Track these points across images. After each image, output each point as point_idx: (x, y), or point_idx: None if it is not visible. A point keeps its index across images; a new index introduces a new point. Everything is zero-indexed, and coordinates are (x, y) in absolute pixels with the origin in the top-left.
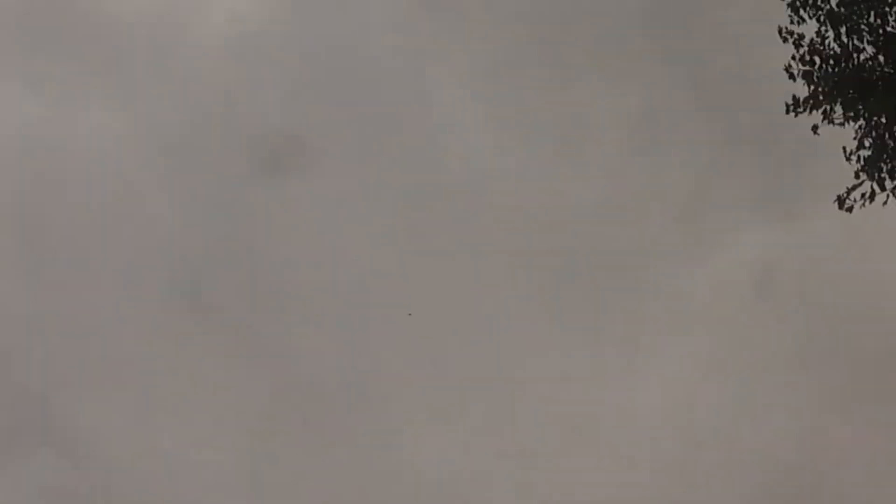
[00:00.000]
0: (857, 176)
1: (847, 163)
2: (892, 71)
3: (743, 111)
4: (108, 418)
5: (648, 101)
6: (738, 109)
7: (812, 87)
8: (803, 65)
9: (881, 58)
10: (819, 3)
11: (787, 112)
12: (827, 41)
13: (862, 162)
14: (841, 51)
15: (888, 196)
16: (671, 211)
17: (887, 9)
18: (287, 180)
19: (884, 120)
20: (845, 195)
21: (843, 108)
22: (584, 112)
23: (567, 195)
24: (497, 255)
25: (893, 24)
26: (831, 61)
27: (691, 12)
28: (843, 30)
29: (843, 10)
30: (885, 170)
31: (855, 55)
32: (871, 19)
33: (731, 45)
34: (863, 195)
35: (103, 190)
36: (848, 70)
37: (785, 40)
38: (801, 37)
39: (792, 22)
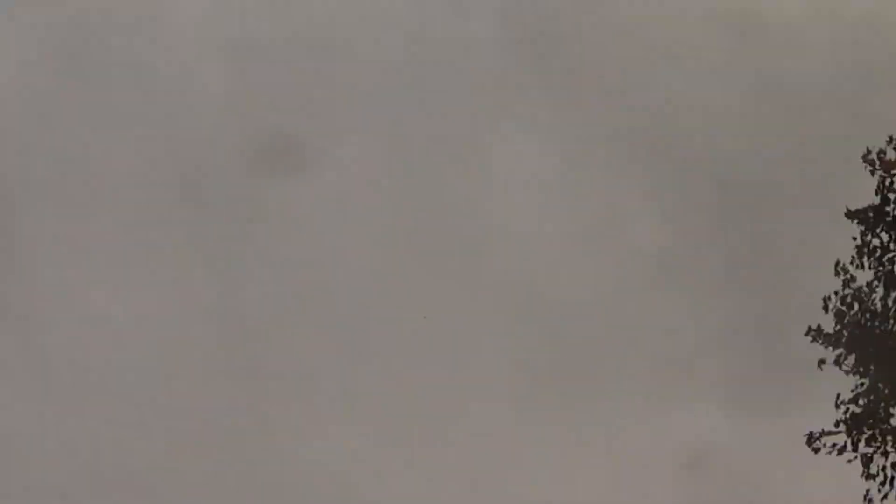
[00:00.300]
0: (836, 425)
1: (834, 408)
2: None
3: (764, 299)
4: (59, 253)
5: (685, 245)
6: (761, 295)
7: (838, 328)
8: (841, 304)
9: None
10: (885, 260)
11: (806, 335)
12: (874, 296)
13: (848, 415)
14: (881, 311)
15: (856, 457)
16: (654, 356)
17: None
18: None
19: (886, 391)
20: (818, 436)
21: (855, 361)
22: (627, 228)
23: (573, 294)
24: (489, 314)
25: None
26: (868, 315)
27: (768, 199)
28: (893, 294)
29: None
30: (865, 433)
31: (891, 321)
32: None
33: (786, 243)
34: (834, 444)
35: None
36: (878, 332)
37: (837, 275)
38: (853, 279)
39: (851, 262)
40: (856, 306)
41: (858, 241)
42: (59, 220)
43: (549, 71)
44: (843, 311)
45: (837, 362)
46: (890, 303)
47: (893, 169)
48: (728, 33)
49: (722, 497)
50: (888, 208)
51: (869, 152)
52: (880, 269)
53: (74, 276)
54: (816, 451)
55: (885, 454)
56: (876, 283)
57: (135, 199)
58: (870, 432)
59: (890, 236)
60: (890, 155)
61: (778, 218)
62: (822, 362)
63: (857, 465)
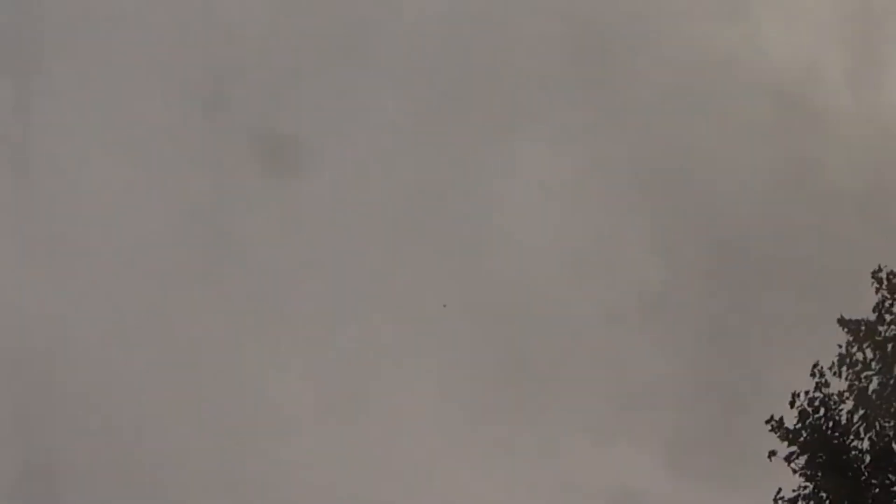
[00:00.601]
0: None
1: (772, 501)
2: (865, 473)
3: (738, 369)
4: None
5: (676, 294)
6: (736, 365)
7: (798, 426)
8: (808, 405)
9: (867, 458)
10: (862, 377)
11: (767, 423)
12: (842, 407)
13: None
14: (844, 424)
15: None
16: (614, 392)
17: None
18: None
19: (827, 502)
20: None
21: (805, 463)
22: (624, 261)
23: (556, 313)
24: (469, 319)
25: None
26: (831, 424)
27: (768, 275)
28: (860, 412)
29: (874, 397)
30: None
31: (851, 437)
32: (885, 425)
33: (773, 323)
34: None
35: None
36: (835, 441)
37: (813, 375)
38: (827, 384)
39: (830, 367)
40: (821, 411)
41: (843, 350)
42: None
43: (588, 90)
44: (807, 411)
45: (788, 459)
46: (855, 418)
47: None
48: (775, 111)
49: None
50: (881, 328)
51: (880, 269)
52: (856, 383)
53: (87, 143)
54: None
55: None
56: (847, 395)
57: (163, 90)
58: None
59: (874, 355)
60: None
61: (774, 297)
62: (773, 453)
63: None
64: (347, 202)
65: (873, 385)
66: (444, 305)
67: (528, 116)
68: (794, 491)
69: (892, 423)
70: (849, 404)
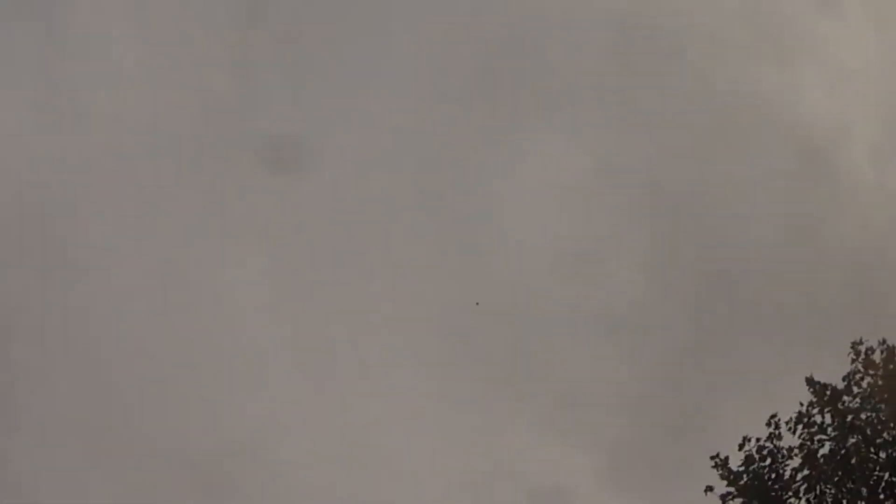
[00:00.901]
0: None
1: None
2: None
3: (698, 398)
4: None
5: (653, 310)
6: (697, 393)
7: (741, 470)
8: (757, 452)
9: None
10: (816, 439)
11: (712, 458)
12: (788, 463)
13: None
14: (787, 480)
15: None
16: (571, 394)
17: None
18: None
19: None
20: None
21: None
22: (611, 268)
23: (534, 314)
24: (454, 312)
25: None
26: (774, 476)
27: (749, 316)
28: (805, 472)
29: (822, 461)
30: None
31: (790, 494)
32: (826, 491)
33: (743, 362)
34: None
35: None
36: (773, 494)
37: (769, 425)
38: (779, 437)
39: (787, 422)
40: (768, 461)
41: (803, 409)
42: None
43: (603, 96)
44: (754, 458)
45: (724, 498)
46: (799, 476)
47: (871, 369)
48: (796, 160)
49: None
50: (846, 397)
51: (860, 342)
52: (808, 443)
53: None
54: None
55: None
56: (797, 452)
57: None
58: None
59: (833, 421)
60: (876, 356)
61: (751, 338)
62: (710, 489)
63: None
64: (348, 200)
65: (824, 450)
66: (477, 304)
67: (529, 117)
68: None
69: (832, 491)
70: (796, 461)
